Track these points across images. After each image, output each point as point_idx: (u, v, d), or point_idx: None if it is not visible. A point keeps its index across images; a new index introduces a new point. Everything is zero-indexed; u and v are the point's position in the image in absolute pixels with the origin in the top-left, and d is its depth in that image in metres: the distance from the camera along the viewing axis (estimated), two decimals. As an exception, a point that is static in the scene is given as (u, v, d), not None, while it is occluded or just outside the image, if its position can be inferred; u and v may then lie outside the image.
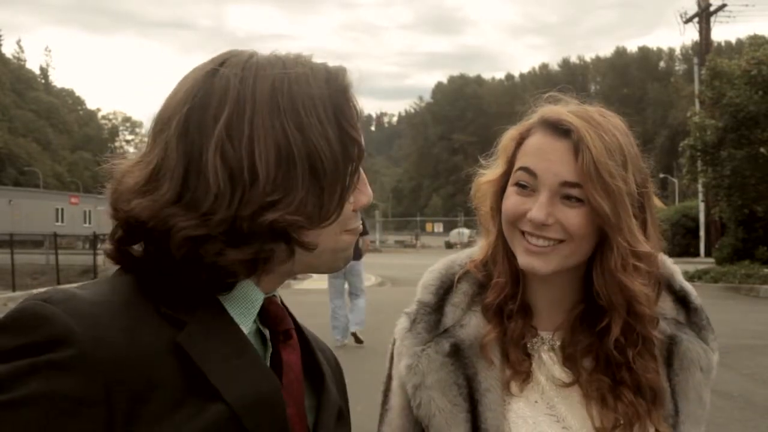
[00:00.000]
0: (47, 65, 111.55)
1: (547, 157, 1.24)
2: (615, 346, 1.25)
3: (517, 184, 1.27)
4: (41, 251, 27.70)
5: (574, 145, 1.22)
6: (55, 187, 76.23)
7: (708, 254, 25.30)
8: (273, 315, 1.00)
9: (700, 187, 23.98)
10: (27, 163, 76.27)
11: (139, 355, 0.84)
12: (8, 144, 75.39)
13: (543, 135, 1.26)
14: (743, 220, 21.26)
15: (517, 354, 1.30)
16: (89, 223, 62.25)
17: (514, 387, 1.30)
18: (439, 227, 77.82)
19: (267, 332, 1.00)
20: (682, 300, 1.35)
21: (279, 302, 1.03)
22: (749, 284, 17.08)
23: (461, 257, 1.41)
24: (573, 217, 1.22)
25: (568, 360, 1.30)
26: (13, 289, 18.38)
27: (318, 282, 11.81)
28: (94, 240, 25.68)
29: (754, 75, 18.53)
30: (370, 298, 11.40)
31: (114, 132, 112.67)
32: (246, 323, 0.96)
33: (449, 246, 62.81)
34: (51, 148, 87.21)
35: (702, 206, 26.19)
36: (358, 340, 10.14)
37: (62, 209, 62.29)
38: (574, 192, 1.22)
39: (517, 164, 1.28)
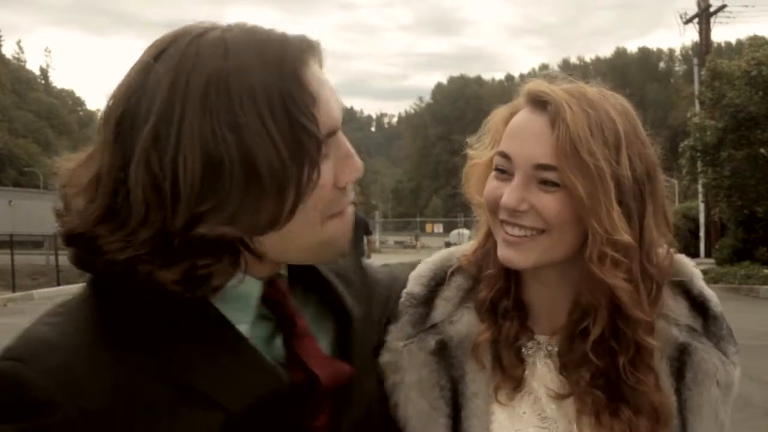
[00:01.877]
0: (47, 66, 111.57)
1: (523, 136, 1.13)
2: (603, 352, 1.13)
3: (496, 169, 1.17)
4: (41, 252, 27.67)
5: (551, 120, 1.10)
6: (55, 188, 76.04)
7: (708, 255, 25.27)
8: (272, 299, 0.95)
9: (700, 188, 23.95)
10: (27, 164, 76.19)
11: (126, 398, 0.82)
12: (8, 145, 75.33)
13: (525, 111, 1.16)
14: (743, 221, 21.23)
15: (510, 357, 1.18)
16: (89, 223, 62.08)
17: (502, 395, 1.18)
18: (438, 228, 77.72)
19: (274, 317, 0.96)
20: (699, 306, 1.21)
21: (282, 284, 0.97)
22: (749, 285, 17.06)
23: (461, 249, 1.31)
24: (549, 202, 1.10)
25: (565, 369, 1.17)
26: (13, 290, 18.37)
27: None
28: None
29: (754, 76, 18.51)
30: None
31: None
32: (244, 318, 0.92)
33: (449, 247, 62.71)
34: (51, 148, 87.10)
35: (702, 207, 26.17)
36: None
37: (62, 210, 62.16)
38: (550, 176, 1.10)
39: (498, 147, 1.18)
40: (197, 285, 0.86)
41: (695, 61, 29.01)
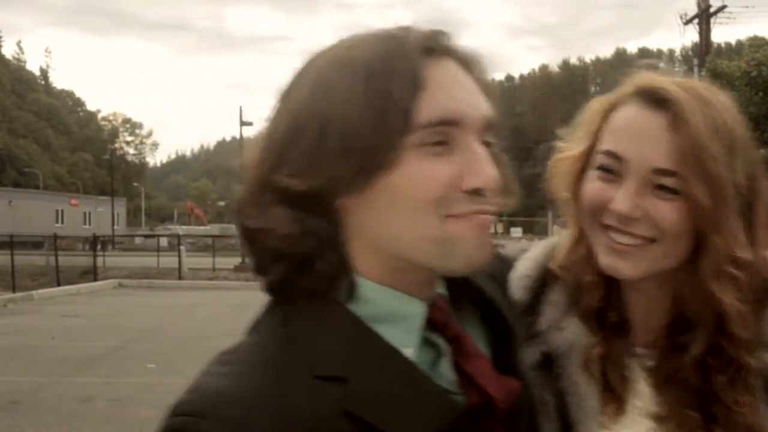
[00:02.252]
0: (47, 66, 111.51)
1: (638, 136, 1.02)
2: (698, 369, 1.05)
3: (600, 168, 1.06)
4: (41, 252, 27.69)
5: (672, 121, 1.00)
6: (55, 188, 76.17)
7: (708, 255, 25.29)
8: (435, 321, 0.92)
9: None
10: (27, 164, 76.20)
11: None
12: (8, 145, 75.36)
13: (635, 107, 1.05)
14: (743, 222, 21.28)
15: (617, 375, 1.09)
16: (89, 224, 62.23)
17: (608, 417, 1.09)
18: (439, 228, 77.61)
19: (440, 340, 0.92)
20: None
21: (443, 303, 0.94)
22: (749, 285, 17.09)
23: (560, 243, 1.21)
24: (667, 211, 1.01)
25: (662, 385, 1.08)
26: (13, 290, 18.38)
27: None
28: (94, 241, 25.66)
29: (754, 76, 18.52)
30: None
31: (114, 133, 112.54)
32: (410, 341, 0.89)
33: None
34: (51, 149, 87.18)
35: (702, 207, 26.18)
36: None
37: (62, 210, 62.26)
38: (669, 182, 1.00)
39: (602, 144, 1.07)
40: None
41: (695, 61, 28.99)
